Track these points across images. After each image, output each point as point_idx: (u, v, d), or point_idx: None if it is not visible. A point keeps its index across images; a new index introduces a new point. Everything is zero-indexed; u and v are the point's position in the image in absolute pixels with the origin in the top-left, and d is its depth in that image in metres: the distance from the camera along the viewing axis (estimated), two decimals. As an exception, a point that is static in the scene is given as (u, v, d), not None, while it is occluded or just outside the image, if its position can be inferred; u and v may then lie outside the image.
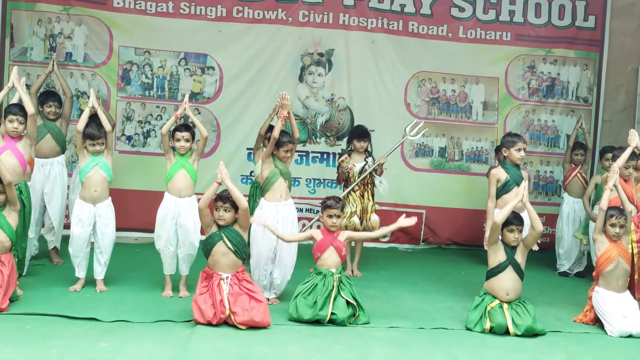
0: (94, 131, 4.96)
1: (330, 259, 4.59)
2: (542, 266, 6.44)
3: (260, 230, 4.80)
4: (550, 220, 7.31)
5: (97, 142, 4.95)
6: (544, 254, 6.80)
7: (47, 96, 5.92)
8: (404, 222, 4.61)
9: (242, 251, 4.38)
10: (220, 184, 4.38)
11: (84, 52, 7.08)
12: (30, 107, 4.88)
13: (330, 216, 4.63)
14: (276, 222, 4.84)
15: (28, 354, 3.50)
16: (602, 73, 7.48)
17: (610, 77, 7.48)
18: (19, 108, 4.92)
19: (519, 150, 5.32)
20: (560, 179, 7.29)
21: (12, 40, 7.03)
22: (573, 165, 6.62)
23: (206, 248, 4.36)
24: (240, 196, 4.37)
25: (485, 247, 4.79)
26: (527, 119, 7.50)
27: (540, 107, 7.53)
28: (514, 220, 4.58)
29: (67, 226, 5.64)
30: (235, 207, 4.38)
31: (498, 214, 4.65)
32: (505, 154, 5.43)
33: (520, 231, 4.59)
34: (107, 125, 4.99)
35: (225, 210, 4.37)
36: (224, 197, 4.38)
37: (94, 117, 5.93)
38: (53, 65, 6.04)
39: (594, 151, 7.19)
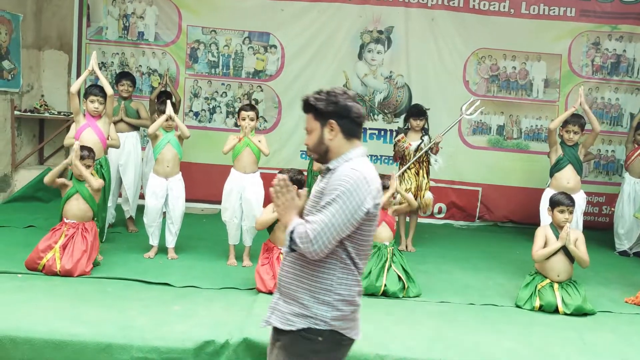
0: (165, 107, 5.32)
1: (383, 233, 4.81)
2: (599, 246, 6.43)
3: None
4: (610, 199, 7.25)
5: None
6: (602, 233, 6.81)
7: (121, 76, 6.33)
8: None
9: None
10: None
11: (154, 31, 7.46)
12: (109, 89, 5.27)
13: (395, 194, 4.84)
14: None
15: (110, 315, 3.89)
16: (671, 50, 7.25)
17: (680, 53, 7.24)
18: (99, 89, 5.32)
19: (568, 132, 5.34)
20: (622, 158, 7.18)
21: (88, 20, 7.49)
22: (636, 145, 6.52)
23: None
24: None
25: None
26: (590, 97, 7.37)
27: (604, 85, 7.39)
28: (565, 200, 4.64)
29: (142, 196, 6.08)
30: (294, 182, 4.49)
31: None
32: (561, 133, 5.46)
33: (571, 212, 4.65)
34: (184, 132, 5.33)
35: None
36: (284, 173, 4.55)
37: (167, 95, 6.32)
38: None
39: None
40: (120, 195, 6.27)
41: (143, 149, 6.51)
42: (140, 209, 5.81)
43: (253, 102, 7.36)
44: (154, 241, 5.35)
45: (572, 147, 5.41)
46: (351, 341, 2.42)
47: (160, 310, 4.03)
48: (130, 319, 3.84)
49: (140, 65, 7.50)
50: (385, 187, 4.81)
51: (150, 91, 7.45)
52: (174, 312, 4.01)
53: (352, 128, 2.35)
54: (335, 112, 2.32)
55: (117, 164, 5.99)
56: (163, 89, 6.69)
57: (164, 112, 5.29)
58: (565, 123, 5.45)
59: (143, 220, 5.43)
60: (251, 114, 5.26)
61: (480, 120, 7.42)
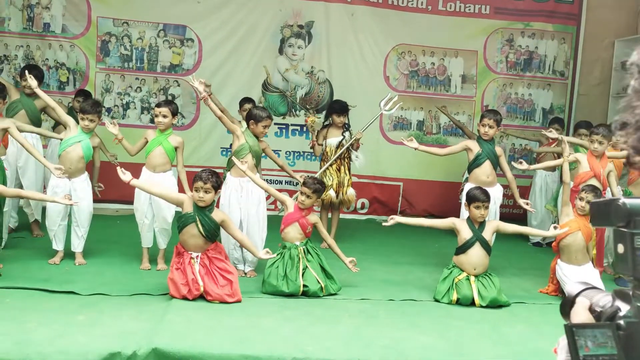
0: (88, 106, 4.96)
1: (291, 233, 4.68)
2: (514, 238, 6.57)
3: (226, 205, 4.88)
4: (523, 192, 7.43)
5: (86, 117, 4.93)
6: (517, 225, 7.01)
7: (25, 69, 5.87)
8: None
9: (213, 236, 4.39)
10: None
11: (62, 23, 7.04)
12: None
13: (302, 193, 4.72)
14: (240, 197, 4.93)
15: (7, 328, 3.58)
16: (579, 47, 7.56)
17: (587, 51, 7.56)
18: None
19: (484, 125, 5.41)
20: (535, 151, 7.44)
21: (-12, 11, 6.97)
22: (550, 140, 6.73)
23: (179, 224, 4.37)
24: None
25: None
26: (505, 92, 7.59)
27: (518, 81, 7.62)
28: (481, 196, 4.70)
29: (46, 199, 5.68)
30: (215, 188, 4.33)
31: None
32: (478, 128, 5.55)
33: (487, 207, 4.71)
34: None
35: (206, 191, 4.29)
36: (204, 178, 4.27)
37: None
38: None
39: (568, 125, 7.32)
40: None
41: (45, 146, 6.11)
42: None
43: (170, 98, 7.08)
44: (58, 245, 5.01)
45: (489, 142, 5.48)
46: None
47: (62, 321, 3.75)
48: (27, 331, 3.54)
49: (47, 59, 7.06)
50: (304, 187, 4.72)
51: (59, 86, 7.05)
52: (78, 322, 3.74)
53: None
54: None
55: (15, 165, 5.57)
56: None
57: (82, 109, 4.95)
58: (481, 117, 5.54)
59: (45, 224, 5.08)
60: (163, 110, 4.97)
61: (401, 116, 7.48)
